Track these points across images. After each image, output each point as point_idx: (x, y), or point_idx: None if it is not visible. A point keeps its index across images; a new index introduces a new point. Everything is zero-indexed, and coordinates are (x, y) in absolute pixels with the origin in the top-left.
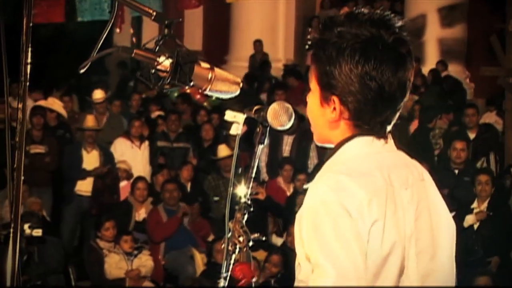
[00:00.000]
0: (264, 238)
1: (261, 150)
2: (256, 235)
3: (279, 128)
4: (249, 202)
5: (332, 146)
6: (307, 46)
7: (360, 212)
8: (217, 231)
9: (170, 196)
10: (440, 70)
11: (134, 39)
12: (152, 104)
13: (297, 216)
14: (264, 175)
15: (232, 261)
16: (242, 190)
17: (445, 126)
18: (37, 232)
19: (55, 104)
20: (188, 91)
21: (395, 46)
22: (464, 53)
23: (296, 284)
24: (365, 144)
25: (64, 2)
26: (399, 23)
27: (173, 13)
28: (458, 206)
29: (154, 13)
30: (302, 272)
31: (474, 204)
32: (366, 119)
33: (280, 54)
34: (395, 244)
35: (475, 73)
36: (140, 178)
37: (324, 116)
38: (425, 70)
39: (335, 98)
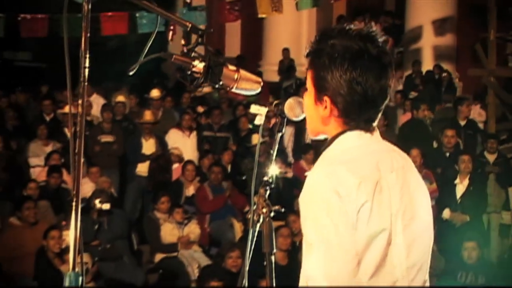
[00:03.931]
0: (283, 210)
1: (288, 137)
2: (276, 207)
3: (294, 119)
4: (270, 180)
5: (324, 137)
6: (306, 54)
7: (350, 195)
8: (252, 204)
9: (215, 177)
10: (435, 72)
11: (184, 48)
12: (199, 101)
13: (299, 198)
14: (291, 158)
15: (257, 228)
16: (271, 170)
17: (432, 116)
18: (106, 206)
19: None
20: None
21: (379, 57)
22: (454, 57)
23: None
24: (355, 138)
25: (127, 17)
26: (382, 38)
27: (216, 25)
28: (448, 182)
29: (190, 25)
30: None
31: (457, 180)
32: (353, 117)
33: (303, 60)
34: (382, 220)
35: (463, 73)
36: (189, 162)
37: (317, 113)
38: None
39: (327, 98)
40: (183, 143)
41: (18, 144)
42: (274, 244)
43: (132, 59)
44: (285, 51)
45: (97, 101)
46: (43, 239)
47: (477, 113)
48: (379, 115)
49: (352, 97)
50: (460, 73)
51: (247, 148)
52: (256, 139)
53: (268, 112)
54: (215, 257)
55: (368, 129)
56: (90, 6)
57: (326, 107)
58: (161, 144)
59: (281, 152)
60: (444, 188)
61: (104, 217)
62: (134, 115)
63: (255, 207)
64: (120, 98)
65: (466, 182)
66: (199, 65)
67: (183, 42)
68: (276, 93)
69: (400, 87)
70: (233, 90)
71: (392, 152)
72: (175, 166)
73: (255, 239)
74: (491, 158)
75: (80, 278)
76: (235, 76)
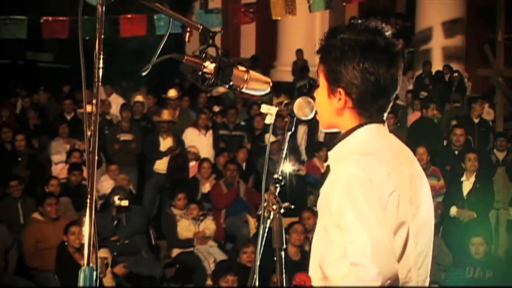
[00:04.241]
0: (293, 207)
1: (301, 135)
2: (286, 204)
3: (303, 118)
4: (280, 177)
5: (336, 130)
6: (316, 50)
7: (382, 184)
8: (262, 201)
9: (230, 174)
10: (444, 72)
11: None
12: (215, 101)
13: (325, 191)
14: (304, 156)
15: (267, 225)
16: (281, 168)
17: (440, 116)
18: (125, 203)
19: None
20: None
21: (388, 48)
22: (463, 58)
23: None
24: (374, 131)
25: (145, 20)
26: (389, 32)
27: (231, 27)
28: (455, 180)
29: (201, 27)
30: (332, 242)
31: (463, 178)
32: (366, 107)
33: (316, 60)
34: (405, 210)
35: (472, 74)
36: (205, 159)
37: (331, 106)
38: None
39: (341, 90)
40: (200, 142)
41: (40, 142)
42: (284, 240)
43: (150, 60)
44: (299, 52)
45: (116, 101)
46: (63, 235)
47: (485, 112)
48: (390, 105)
49: (365, 86)
50: (469, 73)
51: (261, 147)
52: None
53: (278, 111)
54: (230, 252)
55: (382, 120)
56: (104, 8)
57: (340, 99)
58: (178, 142)
59: (295, 150)
60: (451, 185)
61: (122, 213)
62: (152, 114)
63: (265, 204)
64: (139, 98)
65: (472, 179)
66: (210, 66)
67: (199, 43)
68: (289, 92)
69: (411, 87)
70: (243, 90)
71: (402, 146)
72: (192, 164)
73: (265, 235)
74: (500, 155)
75: (95, 273)
76: (245, 77)
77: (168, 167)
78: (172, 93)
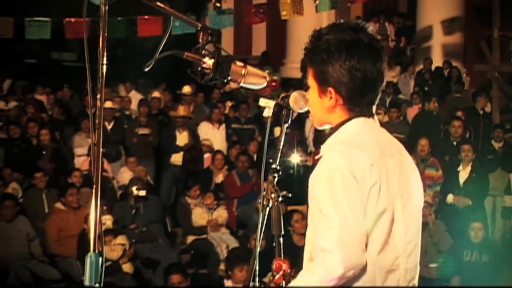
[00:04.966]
0: (290, 195)
1: (309, 128)
2: (284, 192)
3: (299, 111)
4: (278, 167)
5: (329, 126)
6: (303, 54)
7: (363, 175)
8: (262, 190)
9: (242, 165)
10: (444, 68)
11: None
12: (227, 96)
13: (312, 178)
14: (311, 147)
15: (267, 212)
16: (293, 158)
17: (438, 109)
18: (142, 193)
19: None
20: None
21: (371, 44)
22: (461, 54)
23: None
24: (361, 124)
25: (161, 20)
26: (370, 28)
27: (244, 27)
28: (452, 169)
29: (200, 25)
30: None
31: (460, 167)
32: (356, 102)
33: None
34: (388, 200)
35: (469, 69)
36: (218, 151)
37: (323, 105)
38: (432, 67)
39: (331, 89)
40: (213, 135)
41: (63, 136)
42: (282, 226)
43: (167, 58)
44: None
45: (135, 97)
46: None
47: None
48: (378, 97)
49: (353, 83)
50: (467, 69)
51: (270, 140)
52: (279, 131)
53: (275, 105)
54: (241, 238)
55: (371, 114)
56: (107, 8)
57: (331, 97)
58: (193, 136)
59: (303, 142)
60: (448, 174)
61: (140, 202)
62: (168, 109)
63: (264, 192)
64: (156, 94)
65: (468, 169)
66: (209, 62)
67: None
68: (298, 88)
69: (412, 82)
70: (241, 84)
71: (390, 139)
72: (206, 155)
73: (265, 221)
74: (497, 146)
75: (100, 259)
76: (243, 72)
77: (183, 159)
78: (187, 89)
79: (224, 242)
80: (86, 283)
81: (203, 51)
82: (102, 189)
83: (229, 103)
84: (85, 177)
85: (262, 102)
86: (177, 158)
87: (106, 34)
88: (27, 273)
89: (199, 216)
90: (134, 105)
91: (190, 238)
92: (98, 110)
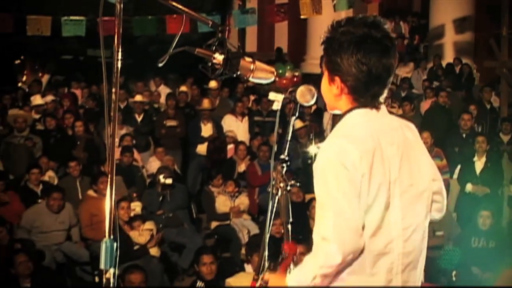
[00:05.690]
0: (298, 184)
1: (327, 120)
2: (292, 181)
3: (305, 104)
4: (286, 158)
5: (339, 112)
6: (320, 42)
7: (354, 166)
8: (271, 179)
9: (263, 155)
10: (455, 64)
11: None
12: (250, 90)
13: (313, 169)
14: None
15: (276, 201)
16: (311, 149)
17: (449, 103)
18: (169, 181)
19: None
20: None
21: (382, 40)
22: (472, 51)
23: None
24: (361, 115)
25: (189, 19)
26: (387, 25)
27: (266, 25)
28: (464, 159)
29: (211, 22)
30: None
31: (475, 158)
32: (360, 94)
33: None
34: (380, 187)
35: (480, 65)
36: (241, 142)
37: (331, 92)
38: (444, 63)
39: (337, 78)
40: (237, 127)
41: (96, 128)
42: (290, 214)
43: (193, 55)
44: None
45: (164, 91)
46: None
47: (492, 99)
48: (385, 90)
49: (359, 75)
50: (477, 65)
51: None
52: (298, 123)
53: (284, 98)
54: (262, 224)
55: (375, 105)
56: (122, 6)
57: (337, 86)
58: (218, 127)
59: (321, 133)
60: (464, 165)
61: (167, 190)
62: (195, 102)
63: (273, 182)
64: (183, 88)
65: (483, 159)
66: (219, 57)
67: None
68: (318, 83)
69: (425, 77)
70: (250, 79)
71: (395, 126)
72: (230, 146)
73: (274, 209)
74: (505, 138)
75: (115, 244)
76: (251, 67)
77: (208, 150)
78: (212, 84)
79: (245, 227)
80: (102, 266)
81: (214, 47)
82: (132, 177)
83: (252, 97)
84: (116, 166)
85: (272, 96)
86: (202, 149)
87: (121, 31)
88: (61, 255)
89: (222, 203)
90: (162, 99)
91: (214, 224)
92: (113, 103)
